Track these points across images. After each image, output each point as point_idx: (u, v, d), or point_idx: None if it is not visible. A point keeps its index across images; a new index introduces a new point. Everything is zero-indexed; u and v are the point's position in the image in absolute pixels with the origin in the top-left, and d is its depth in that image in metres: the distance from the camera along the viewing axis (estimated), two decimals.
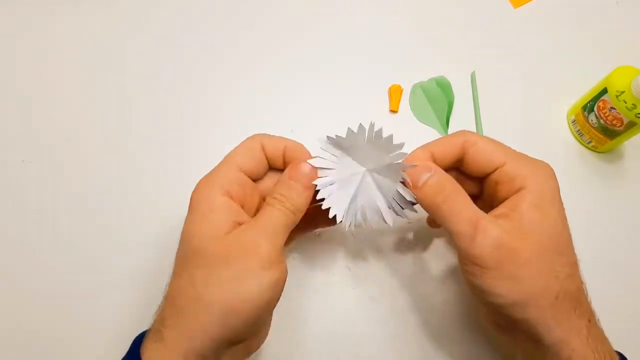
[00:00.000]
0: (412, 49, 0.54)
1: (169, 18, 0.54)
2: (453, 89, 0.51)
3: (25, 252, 0.42)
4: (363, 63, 0.53)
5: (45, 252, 0.42)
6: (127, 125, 0.48)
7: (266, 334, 0.34)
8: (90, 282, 0.41)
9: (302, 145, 0.34)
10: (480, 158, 0.32)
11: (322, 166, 0.33)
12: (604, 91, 0.44)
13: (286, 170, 0.33)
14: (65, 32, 0.52)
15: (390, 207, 0.33)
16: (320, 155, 0.34)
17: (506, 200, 0.30)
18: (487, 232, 0.28)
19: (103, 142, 0.47)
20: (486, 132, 0.49)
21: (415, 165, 0.31)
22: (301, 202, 0.32)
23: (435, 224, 0.41)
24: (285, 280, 0.30)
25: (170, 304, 0.29)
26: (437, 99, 0.51)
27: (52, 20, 0.53)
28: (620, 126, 0.44)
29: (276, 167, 0.35)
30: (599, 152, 0.49)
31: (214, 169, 0.32)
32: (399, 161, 0.31)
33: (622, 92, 0.42)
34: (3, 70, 0.50)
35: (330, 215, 0.33)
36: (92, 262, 0.41)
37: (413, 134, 0.46)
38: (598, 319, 0.30)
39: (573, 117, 0.49)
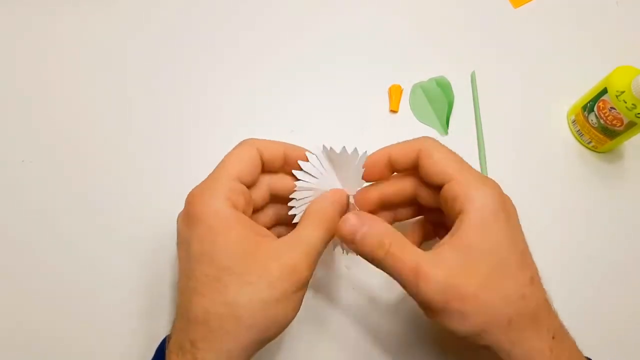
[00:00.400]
0: (412, 49, 0.54)
1: (169, 18, 0.54)
2: (453, 89, 0.51)
3: (25, 252, 0.42)
4: (363, 63, 0.53)
5: (45, 252, 0.42)
6: (127, 125, 0.48)
7: None
8: (90, 282, 0.41)
9: (301, 148, 0.34)
10: (432, 170, 0.31)
11: (309, 172, 0.34)
12: (604, 91, 0.44)
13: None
14: (65, 32, 0.52)
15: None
16: (311, 159, 0.34)
17: (452, 227, 0.30)
18: (428, 278, 0.27)
19: (103, 142, 0.47)
20: (486, 132, 0.49)
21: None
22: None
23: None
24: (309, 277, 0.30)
25: (203, 325, 0.28)
26: (437, 99, 0.51)
27: (52, 20, 0.52)
28: (620, 126, 0.44)
29: (272, 170, 0.34)
30: (599, 152, 0.49)
31: (211, 178, 0.31)
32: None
33: (622, 92, 0.42)
34: (3, 70, 0.50)
35: (294, 221, 0.34)
36: (92, 262, 0.41)
37: (413, 134, 0.46)
38: (565, 331, 0.30)
39: (573, 117, 0.49)
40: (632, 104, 0.42)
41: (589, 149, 0.49)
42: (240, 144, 0.33)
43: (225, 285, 0.28)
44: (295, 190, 0.34)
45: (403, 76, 0.51)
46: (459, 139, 0.49)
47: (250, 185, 0.33)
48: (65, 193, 0.44)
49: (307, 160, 0.34)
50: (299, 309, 0.30)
